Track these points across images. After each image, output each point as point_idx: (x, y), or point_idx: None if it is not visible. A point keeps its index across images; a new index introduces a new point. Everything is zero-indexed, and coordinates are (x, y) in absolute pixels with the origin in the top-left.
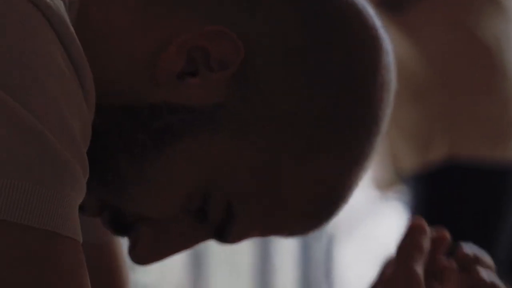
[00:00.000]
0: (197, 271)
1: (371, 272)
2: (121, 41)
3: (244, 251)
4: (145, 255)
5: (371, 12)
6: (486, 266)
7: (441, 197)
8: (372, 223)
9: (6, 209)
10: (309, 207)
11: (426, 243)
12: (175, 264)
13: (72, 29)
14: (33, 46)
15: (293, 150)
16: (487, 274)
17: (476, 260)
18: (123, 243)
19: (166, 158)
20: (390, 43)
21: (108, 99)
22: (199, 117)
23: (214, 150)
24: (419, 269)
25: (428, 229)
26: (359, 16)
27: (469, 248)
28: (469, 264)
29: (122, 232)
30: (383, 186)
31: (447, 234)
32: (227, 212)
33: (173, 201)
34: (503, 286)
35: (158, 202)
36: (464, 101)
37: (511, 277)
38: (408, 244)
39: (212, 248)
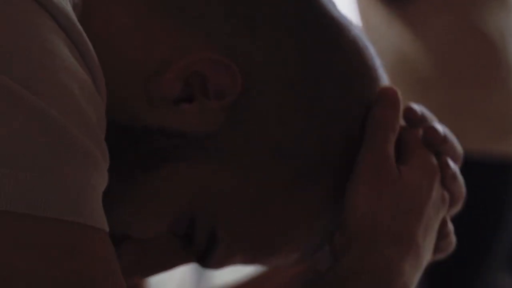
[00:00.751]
0: (200, 268)
1: None
2: (122, 56)
3: None
4: (125, 274)
5: (372, 50)
6: (454, 151)
7: None
8: None
9: (29, 203)
10: (296, 239)
11: (398, 119)
12: None
13: (78, 25)
14: (42, 42)
15: (282, 181)
16: (453, 163)
17: (444, 141)
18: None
19: (154, 180)
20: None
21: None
22: (191, 144)
23: (203, 177)
24: (391, 150)
25: (400, 101)
26: (359, 54)
27: (441, 128)
28: (437, 145)
29: None
30: None
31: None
32: (211, 238)
33: (159, 223)
34: (461, 179)
35: (143, 224)
36: (467, 95)
37: None
38: (381, 122)
39: None
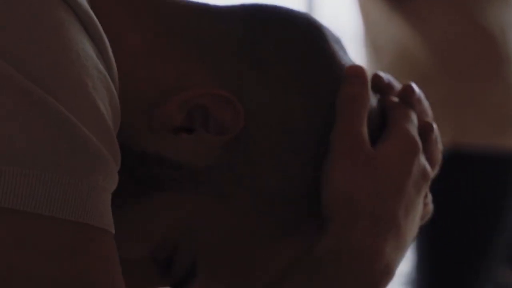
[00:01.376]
0: None
1: None
2: (130, 78)
3: None
4: None
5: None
6: (427, 116)
7: (445, 185)
8: None
9: (39, 202)
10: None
11: (368, 93)
12: None
13: (96, 19)
14: (60, 37)
15: (270, 225)
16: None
17: (419, 101)
18: None
19: (143, 206)
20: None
21: None
22: (184, 176)
23: (191, 209)
24: (362, 127)
25: (367, 75)
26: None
27: (415, 88)
28: (412, 104)
29: None
30: None
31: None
32: (190, 270)
33: (141, 247)
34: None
35: (126, 246)
36: (468, 89)
37: None
38: (348, 99)
39: None
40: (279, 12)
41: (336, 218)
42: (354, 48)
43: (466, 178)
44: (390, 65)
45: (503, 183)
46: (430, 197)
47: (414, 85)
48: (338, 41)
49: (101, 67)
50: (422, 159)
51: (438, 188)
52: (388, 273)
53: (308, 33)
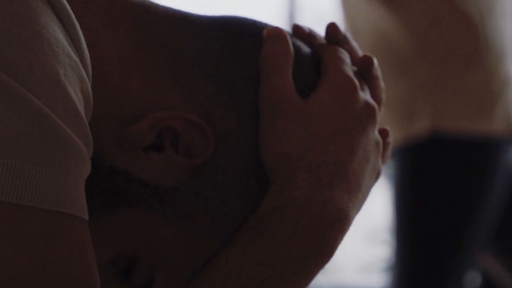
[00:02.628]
0: None
1: (359, 246)
2: (104, 91)
3: None
4: None
5: None
6: (356, 54)
7: (425, 169)
8: None
9: (10, 191)
10: None
11: (287, 46)
12: None
13: (69, 9)
14: (31, 24)
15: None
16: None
17: (346, 40)
18: None
19: (106, 219)
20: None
21: None
22: (151, 194)
23: (153, 227)
24: (285, 81)
25: (285, 33)
26: None
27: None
28: (340, 42)
29: None
30: None
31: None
32: (148, 282)
33: (100, 257)
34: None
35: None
36: (448, 74)
37: (494, 248)
38: (268, 57)
39: None
40: (255, 31)
41: (275, 177)
42: None
43: (445, 162)
44: (370, 50)
45: (483, 167)
46: (391, 139)
47: (336, 24)
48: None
49: (73, 54)
50: (362, 95)
51: (418, 171)
52: (343, 218)
53: None
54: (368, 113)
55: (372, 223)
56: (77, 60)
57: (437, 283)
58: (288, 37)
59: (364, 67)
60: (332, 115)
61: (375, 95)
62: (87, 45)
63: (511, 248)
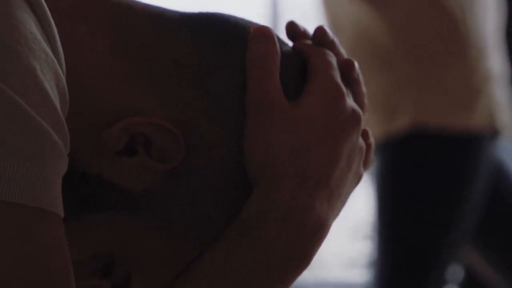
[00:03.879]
0: None
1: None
2: (77, 95)
3: None
4: None
5: None
6: (342, 57)
7: (407, 165)
8: None
9: None
10: None
11: (275, 47)
12: None
13: (45, 5)
14: (8, 19)
15: (198, 247)
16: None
17: (333, 44)
18: None
19: (81, 223)
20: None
21: None
22: (125, 198)
23: (127, 229)
24: (272, 83)
25: (272, 32)
26: None
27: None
28: (327, 44)
29: None
30: None
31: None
32: (125, 282)
33: (79, 255)
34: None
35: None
36: (429, 69)
37: (477, 242)
38: (254, 58)
39: None
40: (238, 31)
41: (259, 181)
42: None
43: (427, 157)
44: (351, 46)
45: (465, 162)
46: (372, 140)
47: (325, 27)
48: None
49: (49, 51)
50: (349, 101)
51: (400, 167)
52: (321, 227)
53: None
54: (354, 120)
55: (356, 219)
56: (53, 56)
57: (419, 278)
58: (275, 37)
59: (345, 70)
60: (319, 121)
61: (358, 100)
62: (62, 45)
63: (494, 243)
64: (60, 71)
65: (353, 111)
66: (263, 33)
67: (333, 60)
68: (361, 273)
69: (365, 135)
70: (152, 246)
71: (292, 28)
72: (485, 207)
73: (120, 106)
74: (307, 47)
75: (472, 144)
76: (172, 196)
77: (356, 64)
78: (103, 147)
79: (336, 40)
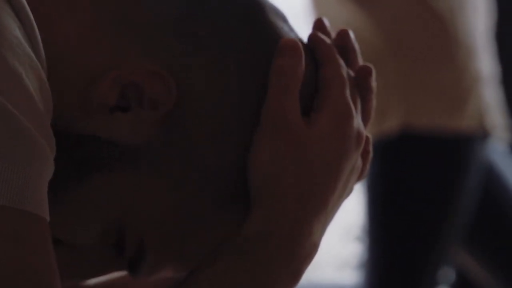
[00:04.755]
0: None
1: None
2: (62, 61)
3: None
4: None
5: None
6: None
7: (397, 166)
8: None
9: None
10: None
11: (301, 66)
12: None
13: (25, 4)
14: None
15: (207, 199)
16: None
17: (354, 50)
18: None
19: (84, 189)
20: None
21: None
22: (123, 154)
23: (132, 188)
24: (292, 100)
25: (301, 48)
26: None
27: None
28: (349, 51)
29: None
30: None
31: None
32: (139, 249)
33: (87, 233)
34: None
35: (71, 232)
36: (418, 70)
37: (468, 244)
38: (279, 71)
39: None
40: None
41: (263, 200)
42: (303, 28)
43: (417, 159)
44: None
45: (455, 163)
46: (371, 148)
47: (349, 31)
48: (282, 17)
49: (32, 54)
50: (356, 123)
51: (390, 169)
52: (314, 251)
53: (248, 7)
54: (357, 143)
55: (348, 220)
56: (36, 60)
57: (410, 280)
58: (303, 52)
59: (362, 76)
60: (327, 145)
61: (366, 110)
62: (45, 19)
63: (485, 245)
64: (44, 75)
65: (358, 133)
66: (290, 47)
67: (346, 73)
68: (353, 275)
69: (366, 142)
70: (156, 201)
71: (320, 26)
72: (477, 208)
73: (105, 62)
74: (324, 53)
75: (462, 145)
76: (169, 144)
77: (373, 72)
78: (95, 105)
79: (357, 46)
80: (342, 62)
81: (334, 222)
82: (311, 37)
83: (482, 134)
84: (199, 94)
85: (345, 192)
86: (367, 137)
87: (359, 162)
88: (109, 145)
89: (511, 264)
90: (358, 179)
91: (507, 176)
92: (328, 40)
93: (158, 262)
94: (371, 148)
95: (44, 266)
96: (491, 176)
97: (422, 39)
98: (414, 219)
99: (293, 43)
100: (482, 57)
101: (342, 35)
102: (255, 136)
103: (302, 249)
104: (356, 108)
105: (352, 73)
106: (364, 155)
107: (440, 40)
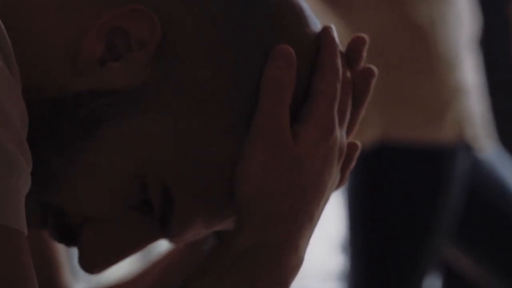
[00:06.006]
0: (147, 260)
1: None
2: (44, 29)
3: None
4: (91, 262)
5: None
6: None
7: (377, 179)
8: None
9: None
10: None
11: (293, 77)
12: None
13: (3, 26)
14: None
15: (220, 121)
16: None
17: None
18: None
19: (95, 144)
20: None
21: (34, 94)
22: (124, 99)
23: (142, 132)
24: (283, 112)
25: (294, 58)
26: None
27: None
28: (358, 60)
29: (69, 240)
30: None
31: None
32: (166, 198)
33: (110, 193)
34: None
35: (94, 195)
36: (397, 82)
37: (460, 245)
38: (272, 81)
39: None
40: None
41: (250, 215)
42: None
43: (397, 171)
44: None
45: (435, 175)
46: (353, 164)
47: (366, 39)
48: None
49: (6, 69)
50: (340, 137)
51: (369, 181)
52: (300, 263)
53: None
54: (339, 156)
55: (334, 231)
56: (10, 75)
57: None
58: (295, 61)
59: (364, 77)
60: (312, 160)
61: (356, 113)
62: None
63: (471, 254)
64: (19, 90)
65: (340, 147)
66: (285, 56)
67: (341, 81)
68: (337, 286)
69: (352, 150)
70: (168, 140)
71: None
72: (459, 219)
73: (85, 17)
74: (323, 58)
75: (441, 157)
76: (166, 79)
77: (376, 76)
78: (85, 61)
79: (364, 55)
80: (340, 68)
81: (319, 234)
82: (322, 32)
83: (462, 145)
84: (182, 22)
85: (326, 205)
86: (355, 145)
87: (339, 174)
88: (108, 96)
89: (503, 264)
90: (337, 187)
91: (496, 173)
92: (336, 42)
93: (188, 209)
94: (356, 156)
95: (29, 283)
96: (480, 173)
97: (401, 51)
98: (395, 230)
99: (284, 50)
100: (465, 68)
101: (358, 43)
102: (245, 145)
103: (289, 262)
104: (344, 118)
105: (350, 75)
106: (345, 164)
107: (419, 52)
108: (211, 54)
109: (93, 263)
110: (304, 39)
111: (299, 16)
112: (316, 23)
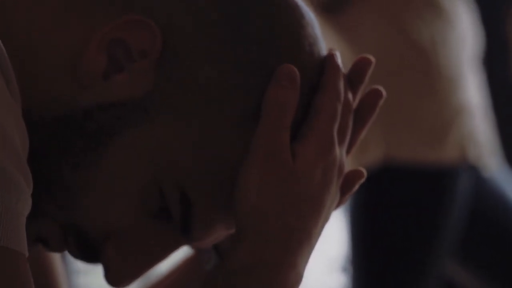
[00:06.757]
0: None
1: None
2: (43, 46)
3: None
4: (118, 278)
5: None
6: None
7: (379, 200)
8: None
9: None
10: None
11: (295, 98)
12: None
13: (6, 54)
14: None
15: (229, 119)
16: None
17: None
18: None
19: (109, 157)
20: (314, 20)
21: (40, 113)
22: (131, 110)
23: (153, 139)
24: (284, 133)
25: (297, 78)
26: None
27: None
28: (361, 80)
29: (92, 258)
30: None
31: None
32: (184, 203)
33: (128, 204)
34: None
35: (112, 209)
36: (399, 103)
37: (461, 259)
38: (274, 102)
39: None
40: None
41: (249, 233)
42: None
43: (399, 192)
44: None
45: (437, 196)
46: (354, 189)
47: (371, 61)
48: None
49: (8, 94)
50: (339, 156)
51: (372, 202)
52: (298, 281)
53: None
54: (339, 175)
55: (333, 251)
56: (11, 100)
57: None
58: (299, 81)
59: (371, 98)
60: (311, 179)
61: (357, 132)
62: (21, 21)
63: (473, 271)
64: (19, 111)
65: (340, 166)
66: (289, 77)
67: (342, 102)
68: None
69: (357, 176)
70: (180, 143)
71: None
72: (461, 240)
73: (84, 32)
74: (326, 78)
75: (444, 177)
76: (171, 81)
77: (383, 96)
78: (87, 77)
79: (368, 76)
80: (341, 89)
81: (320, 253)
82: (327, 56)
83: (465, 166)
84: (181, 23)
85: (325, 223)
86: (360, 172)
87: (338, 193)
88: (115, 108)
89: (506, 281)
90: (336, 206)
91: (500, 191)
92: (340, 66)
93: (207, 212)
94: (359, 183)
95: None
96: (484, 191)
97: (402, 71)
98: (397, 250)
99: (292, 71)
100: (468, 87)
101: (363, 66)
102: (244, 161)
103: (287, 281)
104: (344, 138)
105: (351, 96)
106: (346, 188)
107: (421, 72)
108: (211, 54)
109: (120, 278)
110: (305, 39)
111: (299, 16)
112: (315, 23)
